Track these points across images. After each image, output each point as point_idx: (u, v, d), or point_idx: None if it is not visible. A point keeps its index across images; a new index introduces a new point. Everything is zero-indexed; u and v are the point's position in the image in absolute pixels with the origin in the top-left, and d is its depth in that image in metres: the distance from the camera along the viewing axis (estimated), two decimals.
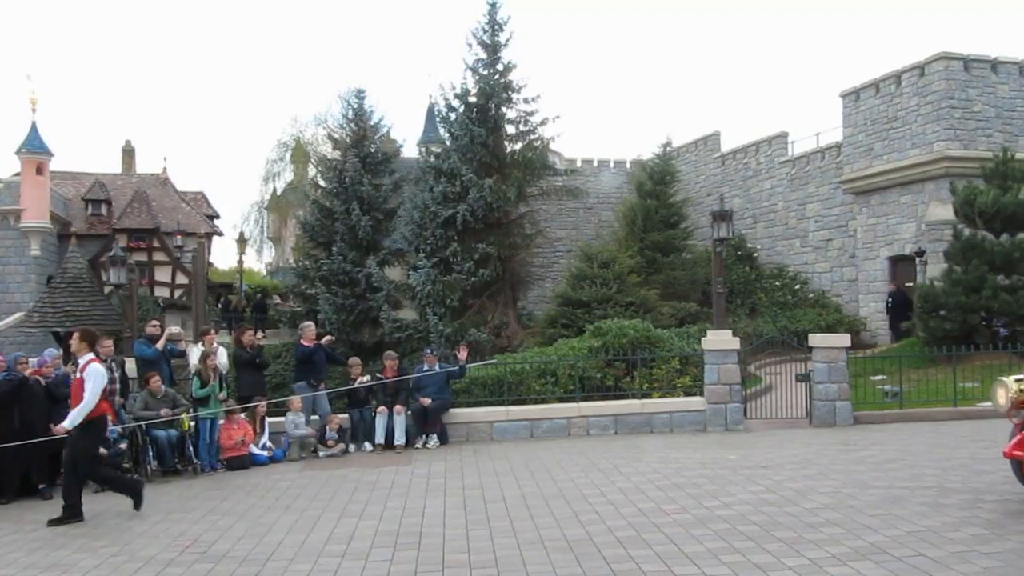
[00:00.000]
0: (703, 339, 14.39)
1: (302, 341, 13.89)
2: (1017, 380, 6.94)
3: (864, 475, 8.99)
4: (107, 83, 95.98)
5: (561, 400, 14.12)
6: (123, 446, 11.15)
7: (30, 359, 11.67)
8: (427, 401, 12.85)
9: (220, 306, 35.35)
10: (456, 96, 24.62)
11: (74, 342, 9.34)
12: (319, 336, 14.57)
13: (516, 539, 6.99)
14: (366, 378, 13.44)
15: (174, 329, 14.17)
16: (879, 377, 16.31)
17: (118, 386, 12.12)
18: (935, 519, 6.84)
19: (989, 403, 14.04)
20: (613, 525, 7.22)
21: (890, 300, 23.21)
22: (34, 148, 31.71)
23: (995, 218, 18.37)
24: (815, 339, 14.28)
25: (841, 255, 27.04)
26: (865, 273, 25.24)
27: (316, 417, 13.18)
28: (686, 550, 6.32)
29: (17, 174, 32.11)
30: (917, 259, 22.39)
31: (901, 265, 23.98)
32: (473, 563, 6.33)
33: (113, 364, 12.23)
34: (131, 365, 13.28)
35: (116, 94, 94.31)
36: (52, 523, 8.66)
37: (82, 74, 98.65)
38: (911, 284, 22.51)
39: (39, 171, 31.66)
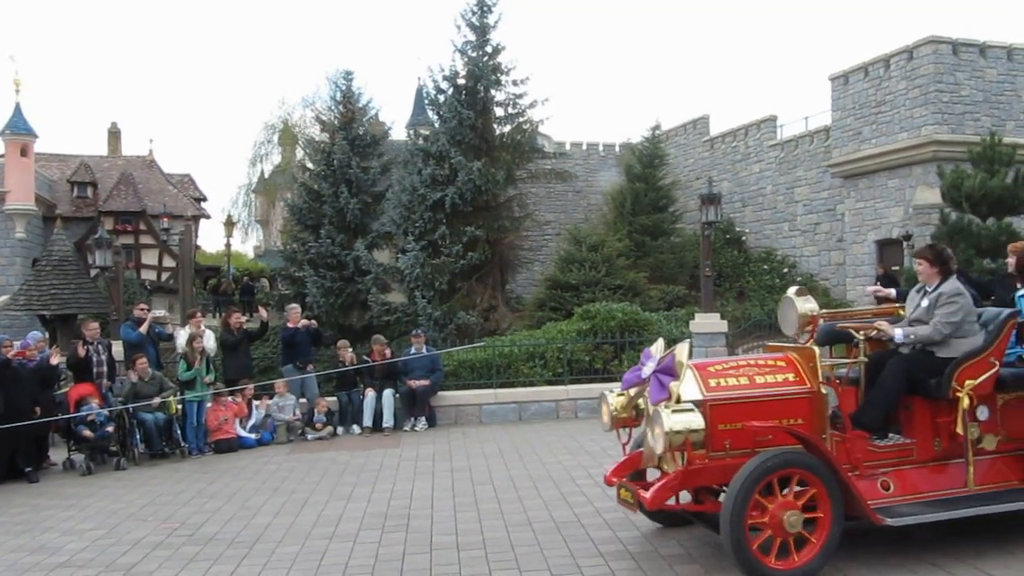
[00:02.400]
0: (691, 322, 14.46)
1: (288, 323, 13.87)
2: (620, 395, 6.05)
3: None
4: (92, 64, 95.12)
5: (549, 383, 14.14)
6: (110, 429, 11.11)
7: (15, 342, 11.60)
8: (417, 383, 12.84)
9: (207, 289, 35.21)
10: (445, 78, 24.50)
11: None
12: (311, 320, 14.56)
13: (504, 521, 7.00)
14: (349, 351, 13.36)
15: (158, 313, 14.10)
16: None
17: (105, 369, 12.08)
18: None
19: None
20: (601, 507, 7.24)
21: (878, 283, 23.29)
22: (18, 129, 31.37)
23: (982, 202, 18.43)
24: None
25: (829, 239, 27.13)
26: (852, 257, 25.34)
27: (304, 400, 13.16)
28: (672, 532, 6.34)
29: (1, 156, 31.79)
30: (904, 243, 22.47)
31: (888, 249, 24.08)
32: (461, 545, 6.34)
33: (99, 347, 12.19)
34: (118, 348, 13.23)
35: (102, 75, 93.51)
36: None
37: (67, 55, 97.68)
38: (897, 268, 22.61)
39: (23, 153, 31.33)
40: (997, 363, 5.63)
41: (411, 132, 28.75)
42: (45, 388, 11.17)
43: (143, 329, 12.67)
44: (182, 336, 13.00)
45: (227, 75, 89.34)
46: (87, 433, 10.92)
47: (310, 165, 26.86)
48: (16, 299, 22.95)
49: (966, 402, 5.47)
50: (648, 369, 5.71)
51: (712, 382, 5.48)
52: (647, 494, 5.44)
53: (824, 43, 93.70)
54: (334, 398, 13.12)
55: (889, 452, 5.66)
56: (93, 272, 23.58)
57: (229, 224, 40.72)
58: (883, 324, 5.97)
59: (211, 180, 77.33)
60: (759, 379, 5.53)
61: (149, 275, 33.63)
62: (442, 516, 7.31)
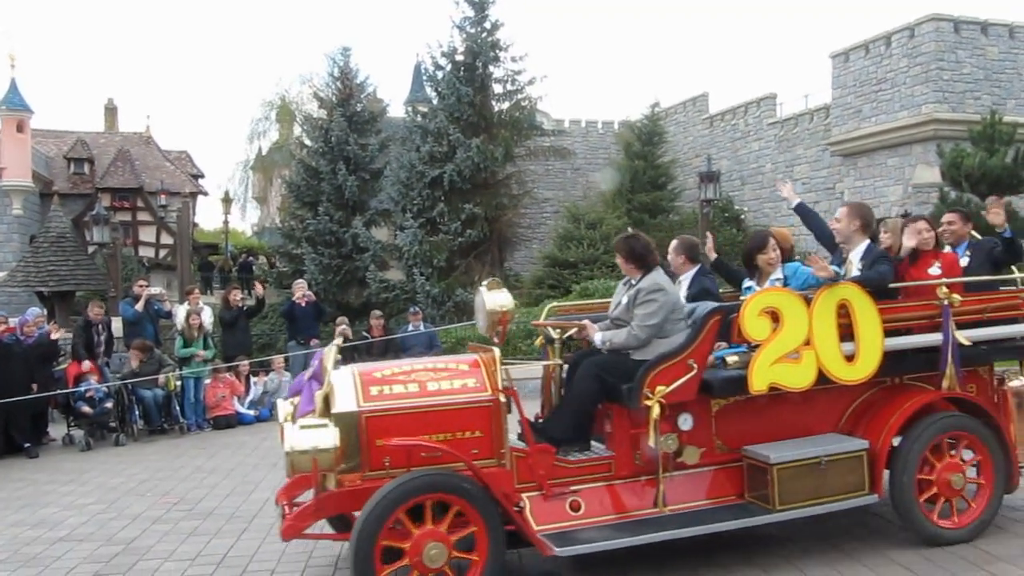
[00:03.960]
0: None
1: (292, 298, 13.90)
2: (292, 403, 5.18)
3: None
4: (88, 40, 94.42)
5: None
6: (109, 405, 11.14)
7: (10, 318, 11.61)
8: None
9: (198, 268, 35.23)
10: (443, 54, 24.36)
11: None
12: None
13: None
14: (342, 328, 13.27)
15: (153, 290, 14.10)
16: None
17: (102, 349, 12.11)
18: None
19: None
20: None
21: None
22: (14, 105, 31.18)
23: (982, 181, 18.40)
24: None
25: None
26: None
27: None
28: None
29: None
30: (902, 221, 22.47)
31: None
32: None
33: (100, 326, 12.21)
34: (117, 324, 13.25)
35: (98, 51, 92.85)
36: None
37: (63, 30, 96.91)
38: None
39: (19, 128, 31.16)
40: (696, 366, 4.95)
41: (409, 109, 28.60)
42: (44, 364, 11.19)
43: (139, 306, 12.68)
44: (180, 313, 13.02)
45: (224, 51, 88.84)
46: (86, 409, 10.96)
47: (308, 142, 26.74)
48: (14, 275, 22.91)
49: (656, 411, 4.80)
50: (309, 374, 5.14)
51: (374, 390, 4.75)
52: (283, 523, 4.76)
53: (825, 20, 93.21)
54: None
55: (581, 468, 4.98)
56: (91, 249, 23.57)
57: (227, 201, 40.61)
58: (586, 323, 5.48)
59: (208, 157, 77.21)
60: (432, 386, 4.80)
61: (147, 252, 33.58)
62: None
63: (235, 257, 37.04)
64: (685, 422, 5.03)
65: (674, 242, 6.18)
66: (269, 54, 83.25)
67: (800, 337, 5.03)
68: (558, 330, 5.71)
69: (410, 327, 13.45)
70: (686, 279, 6.08)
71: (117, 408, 11.26)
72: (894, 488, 5.18)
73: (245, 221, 52.79)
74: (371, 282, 22.13)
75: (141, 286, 13.49)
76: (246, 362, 12.93)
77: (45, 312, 13.64)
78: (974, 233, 6.44)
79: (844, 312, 5.13)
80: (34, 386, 10.70)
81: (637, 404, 4.89)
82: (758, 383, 4.97)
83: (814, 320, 5.05)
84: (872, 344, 5.13)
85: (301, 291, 13.86)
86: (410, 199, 23.03)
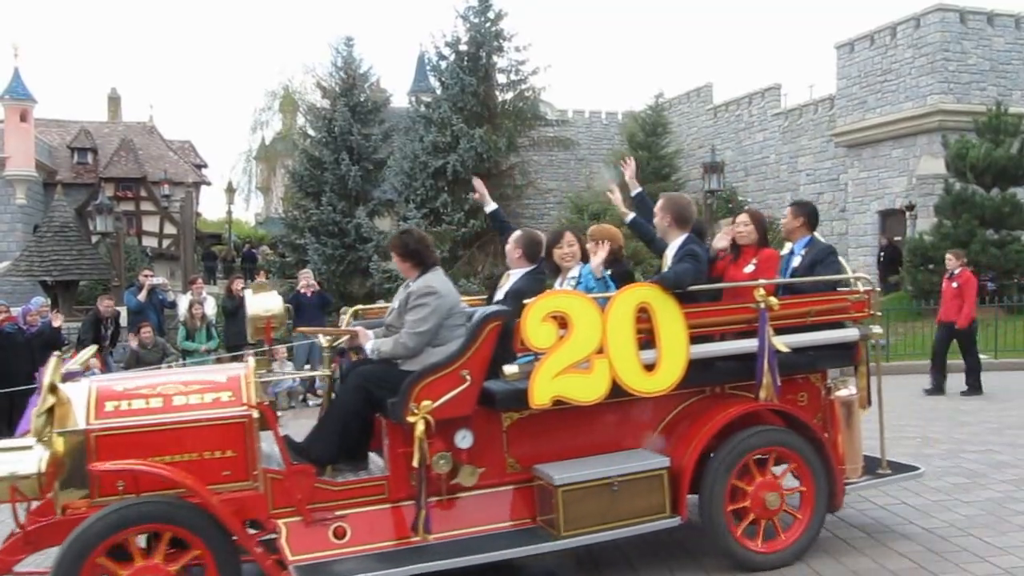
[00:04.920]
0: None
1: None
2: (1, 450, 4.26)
3: None
4: (92, 29, 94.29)
5: None
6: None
7: (12, 308, 11.63)
8: None
9: (201, 258, 35.27)
10: (447, 44, 24.32)
11: None
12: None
13: None
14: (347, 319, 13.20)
15: (155, 280, 14.12)
16: None
17: (108, 342, 12.14)
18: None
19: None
20: None
21: (882, 253, 23.29)
22: (17, 94, 31.17)
23: (986, 172, 18.38)
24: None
25: (832, 209, 27.04)
26: (855, 227, 25.27)
27: (309, 366, 13.18)
28: None
29: (0, 121, 31.63)
30: (907, 213, 22.42)
31: (891, 219, 24.02)
32: None
33: (108, 320, 12.24)
34: (123, 315, 13.29)
35: (101, 40, 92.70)
36: None
37: (66, 19, 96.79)
38: (900, 238, 22.58)
39: (23, 118, 31.16)
40: (471, 377, 4.43)
41: (413, 99, 28.58)
42: (47, 353, 11.20)
43: (142, 296, 12.70)
44: (183, 303, 13.03)
45: (227, 41, 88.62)
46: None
47: (311, 132, 26.73)
48: (17, 265, 22.95)
49: (421, 427, 4.29)
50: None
51: (109, 406, 4.20)
52: None
53: (830, 11, 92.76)
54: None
55: (348, 490, 4.48)
56: (94, 238, 23.58)
57: (230, 191, 40.57)
58: (359, 330, 5.00)
59: (212, 147, 77.12)
60: (179, 400, 4.29)
61: (150, 242, 33.61)
62: None
63: (238, 247, 37.07)
64: (464, 439, 4.49)
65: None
66: (272, 44, 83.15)
67: (591, 345, 4.49)
68: (328, 338, 5.29)
69: None
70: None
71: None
72: (701, 509, 4.72)
73: (248, 211, 52.89)
74: (374, 272, 22.15)
75: (146, 276, 13.50)
76: (250, 352, 12.93)
77: (49, 301, 13.67)
78: (818, 235, 5.70)
79: (648, 317, 4.63)
80: (37, 375, 10.72)
81: (401, 419, 4.37)
82: (539, 397, 4.42)
83: (609, 326, 4.52)
84: (675, 352, 4.64)
85: (306, 281, 13.84)
86: (413, 189, 23.02)
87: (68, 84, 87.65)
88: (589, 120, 37.17)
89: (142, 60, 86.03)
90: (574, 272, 5.18)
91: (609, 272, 5.21)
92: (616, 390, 4.57)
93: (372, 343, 4.83)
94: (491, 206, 6.13)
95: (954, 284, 11.36)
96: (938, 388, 11.35)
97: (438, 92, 25.00)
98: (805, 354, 5.09)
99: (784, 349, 4.84)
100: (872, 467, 5.35)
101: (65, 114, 41.41)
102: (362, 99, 25.06)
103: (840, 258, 5.62)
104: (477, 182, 6.49)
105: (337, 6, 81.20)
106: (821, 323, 5.08)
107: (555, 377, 4.44)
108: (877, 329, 5.32)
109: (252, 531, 4.38)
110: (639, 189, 6.18)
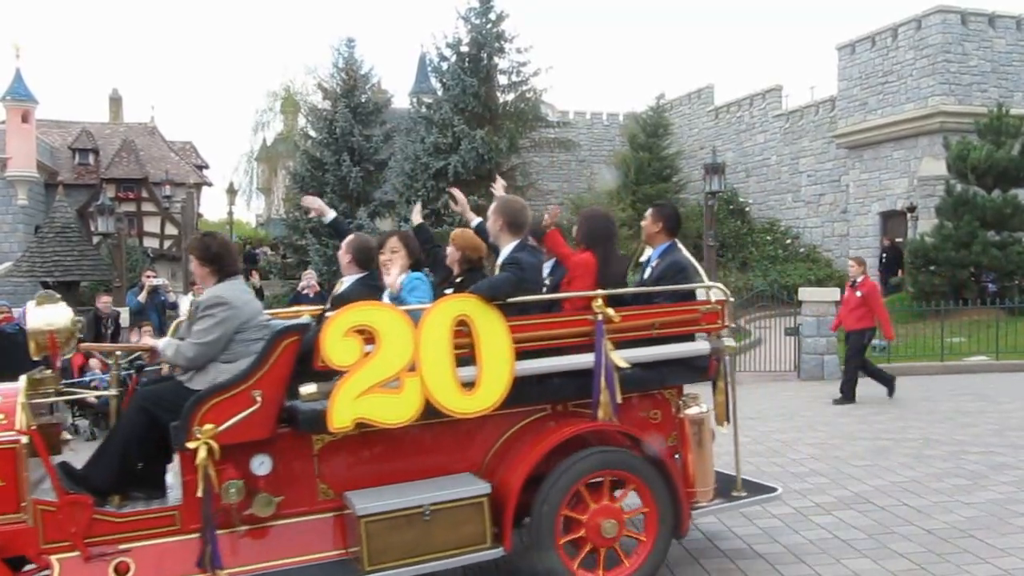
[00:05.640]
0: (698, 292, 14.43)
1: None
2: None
3: (850, 427, 9.08)
4: (93, 29, 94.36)
5: None
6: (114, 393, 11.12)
7: (13, 308, 11.63)
8: None
9: None
10: (448, 45, 24.37)
11: None
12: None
13: None
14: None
15: (156, 281, 14.11)
16: None
17: (109, 341, 12.12)
18: (919, 470, 6.92)
19: (976, 358, 14.28)
20: None
21: (884, 255, 23.29)
22: (19, 95, 31.18)
23: (987, 174, 18.37)
24: (805, 293, 14.34)
25: (833, 210, 27.04)
26: (856, 228, 25.26)
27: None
28: None
29: (2, 122, 31.66)
30: (908, 214, 22.41)
31: (892, 220, 24.01)
32: None
33: (108, 319, 12.24)
34: (124, 315, 13.30)
35: (102, 41, 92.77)
36: None
37: (67, 20, 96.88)
38: (901, 239, 22.57)
39: (24, 119, 31.18)
40: (263, 399, 4.03)
41: (414, 100, 28.61)
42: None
43: (142, 297, 12.70)
44: (185, 304, 13.01)
45: (229, 42, 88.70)
46: (91, 399, 10.96)
47: (312, 133, 26.78)
48: (19, 266, 23.00)
49: (203, 453, 3.91)
50: None
51: None
52: None
53: (831, 12, 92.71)
54: None
55: (132, 522, 4.05)
56: (96, 239, 23.62)
57: (231, 192, 40.51)
58: (148, 341, 4.64)
59: (213, 148, 77.09)
60: None
61: (151, 243, 33.61)
62: None
63: (239, 248, 37.05)
64: (261, 465, 4.08)
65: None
66: (274, 45, 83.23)
67: (401, 362, 4.09)
68: (119, 354, 4.85)
69: None
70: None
71: (121, 398, 11.23)
72: (531, 537, 4.33)
73: (250, 212, 52.88)
74: None
75: (148, 276, 13.50)
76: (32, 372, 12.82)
77: None
78: (680, 246, 5.28)
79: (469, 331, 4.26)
80: None
81: (183, 445, 3.97)
82: (339, 419, 4.00)
83: (423, 341, 4.12)
84: (497, 368, 4.23)
85: (307, 281, 13.84)
86: (414, 190, 23.06)
87: (69, 85, 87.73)
88: (590, 121, 37.17)
89: (143, 61, 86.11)
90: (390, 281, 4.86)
91: (460, 280, 4.96)
92: (432, 410, 4.16)
93: (161, 341, 4.52)
94: (330, 216, 5.88)
95: (858, 293, 10.96)
96: (890, 389, 11.06)
97: (439, 93, 25.05)
98: (656, 369, 4.73)
99: (623, 364, 4.45)
100: (728, 488, 4.99)
101: (66, 115, 41.43)
102: (363, 100, 25.11)
103: (698, 266, 5.23)
104: (308, 199, 6.17)
105: (338, 7, 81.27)
106: (672, 336, 4.73)
107: (358, 397, 4.02)
108: (730, 342, 4.91)
109: (29, 567, 4.05)
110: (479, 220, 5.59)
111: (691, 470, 4.73)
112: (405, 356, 4.10)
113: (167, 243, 33.91)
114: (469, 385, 4.22)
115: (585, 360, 4.45)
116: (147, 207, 34.03)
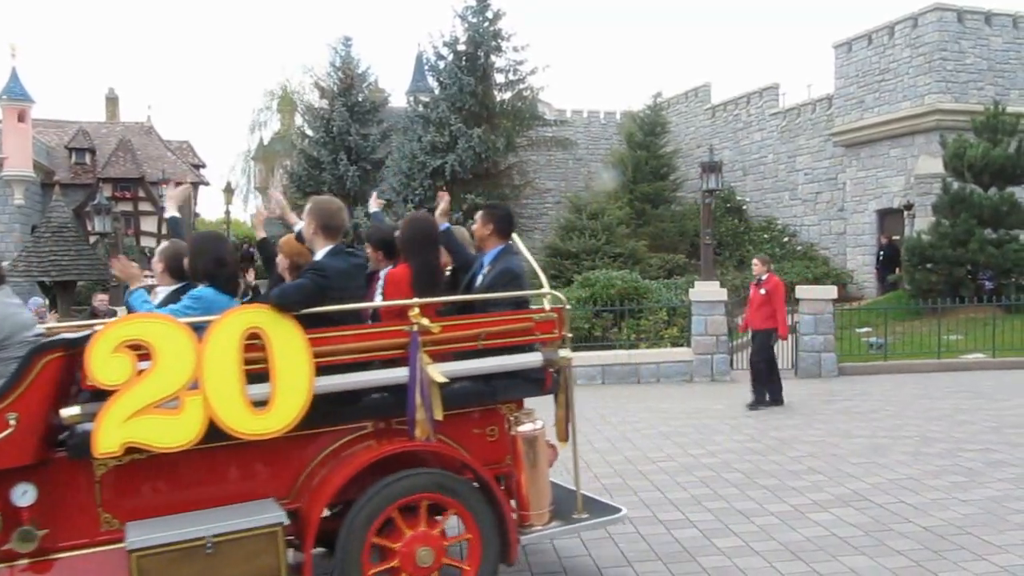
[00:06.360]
0: (691, 290, 14.46)
1: None
2: None
3: (848, 424, 9.10)
4: (90, 29, 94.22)
5: None
6: None
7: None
8: None
9: None
10: (445, 44, 24.36)
11: None
12: None
13: None
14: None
15: (149, 281, 14.09)
16: (864, 329, 16.45)
17: None
18: (916, 467, 6.94)
19: (973, 355, 14.31)
20: (600, 472, 7.29)
21: (882, 253, 23.31)
22: (15, 95, 31.17)
23: (984, 171, 18.39)
24: (802, 291, 14.35)
25: (830, 208, 27.06)
26: (853, 226, 25.29)
27: None
28: (671, 496, 6.39)
29: None
30: (905, 212, 22.44)
31: (889, 218, 24.03)
32: None
33: (106, 318, 12.24)
34: (122, 314, 13.29)
35: (99, 40, 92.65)
36: None
37: (64, 19, 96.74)
38: (898, 237, 22.60)
39: (21, 118, 31.16)
40: (19, 422, 3.60)
41: (411, 99, 28.60)
42: None
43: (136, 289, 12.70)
44: None
45: (225, 41, 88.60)
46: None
47: (309, 132, 26.77)
48: (15, 265, 22.95)
49: None
50: None
51: None
52: None
53: (828, 10, 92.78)
54: None
55: None
56: (92, 239, 23.58)
57: (228, 191, 40.51)
58: None
59: (210, 147, 77.09)
60: None
61: (148, 242, 33.58)
62: None
63: (237, 247, 37.03)
64: (24, 496, 3.65)
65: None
66: (270, 44, 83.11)
67: (180, 379, 3.70)
68: None
69: None
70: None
71: None
72: (336, 567, 3.99)
73: (247, 211, 52.78)
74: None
75: (146, 276, 13.49)
76: None
77: (47, 302, 13.64)
78: (517, 249, 4.93)
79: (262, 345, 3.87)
80: None
81: None
82: (105, 443, 3.59)
83: (208, 356, 3.73)
84: (293, 385, 3.84)
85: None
86: (412, 189, 23.05)
87: (66, 84, 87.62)
88: (587, 120, 37.14)
89: (140, 60, 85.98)
90: (159, 294, 4.47)
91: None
92: (219, 432, 3.76)
93: None
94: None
95: (762, 291, 10.57)
96: (760, 401, 10.55)
97: (436, 92, 25.04)
98: (487, 383, 4.39)
99: (441, 379, 4.07)
100: (568, 510, 4.59)
101: (63, 114, 41.46)
102: (360, 99, 25.12)
103: (538, 271, 4.88)
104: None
105: (335, 6, 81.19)
106: (505, 347, 4.37)
107: (129, 419, 3.62)
108: (566, 353, 4.50)
109: None
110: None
111: (524, 491, 4.36)
112: (185, 373, 3.70)
113: (164, 242, 33.92)
114: (261, 404, 3.81)
115: (398, 375, 4.08)
116: (144, 206, 34.02)
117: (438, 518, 4.15)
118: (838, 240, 26.47)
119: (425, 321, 4.09)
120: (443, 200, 5.16)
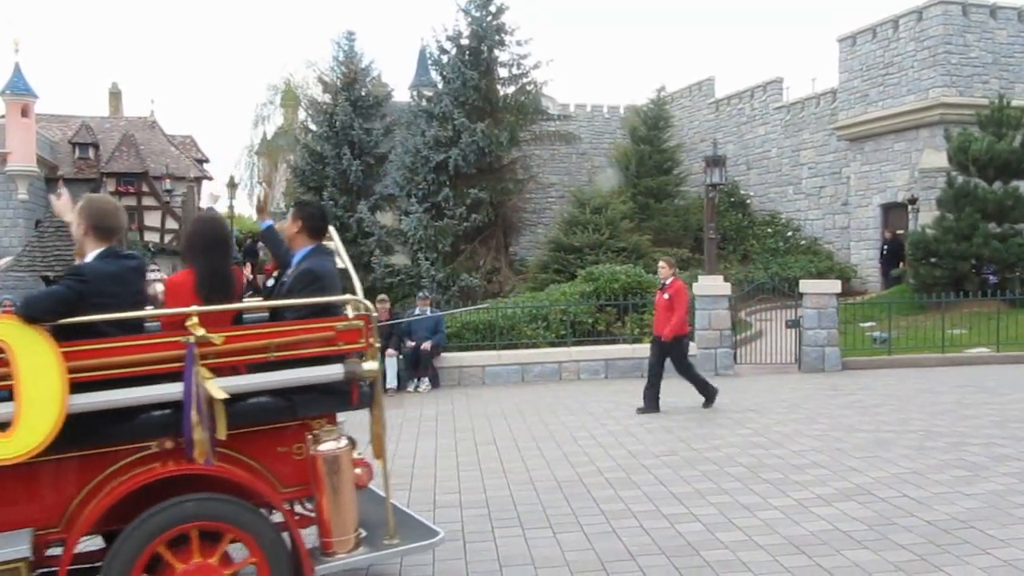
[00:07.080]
0: (694, 285, 14.43)
1: None
2: None
3: (851, 419, 9.09)
4: (93, 23, 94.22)
5: (552, 345, 14.21)
6: None
7: (17, 303, 11.66)
8: (427, 344, 12.87)
9: None
10: (448, 38, 24.33)
11: None
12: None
13: (507, 480, 7.05)
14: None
15: (153, 276, 14.13)
16: (868, 323, 16.43)
17: None
18: (920, 461, 6.93)
19: (977, 349, 14.29)
20: (603, 466, 7.29)
21: (886, 247, 23.27)
22: (18, 90, 31.20)
23: (989, 165, 18.34)
24: (806, 285, 14.33)
25: (834, 202, 27.01)
26: (857, 220, 25.24)
27: None
28: (674, 491, 6.39)
29: (1, 116, 31.65)
30: (909, 206, 22.39)
31: (893, 212, 23.98)
32: (464, 503, 6.40)
33: None
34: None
35: (102, 35, 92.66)
36: None
37: (67, 14, 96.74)
38: (902, 231, 22.55)
39: (24, 113, 31.20)
40: None
41: (414, 93, 28.59)
42: None
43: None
44: None
45: (229, 35, 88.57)
46: None
47: (312, 126, 26.76)
48: (19, 260, 23.03)
49: None
50: None
51: None
52: None
53: (832, 4, 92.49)
54: None
55: None
56: None
57: (232, 186, 40.53)
58: None
59: (213, 142, 77.14)
60: None
61: (152, 237, 33.67)
62: (445, 475, 7.36)
63: (240, 242, 37.06)
64: None
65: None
66: (274, 38, 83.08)
67: None
68: None
69: (417, 311, 13.49)
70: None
71: None
72: None
73: (250, 206, 52.84)
74: (376, 267, 22.17)
75: (152, 270, 13.55)
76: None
77: None
78: (327, 250, 4.60)
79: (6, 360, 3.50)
80: None
81: None
82: None
83: None
84: (42, 404, 3.44)
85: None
86: (415, 184, 23.04)
87: (69, 79, 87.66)
88: (591, 114, 37.10)
89: (143, 55, 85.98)
90: None
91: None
92: None
93: None
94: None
95: (666, 296, 10.03)
96: (653, 406, 10.08)
97: (439, 86, 25.01)
98: (284, 398, 4.02)
99: (221, 395, 3.70)
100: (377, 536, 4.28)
101: (66, 109, 41.43)
102: (363, 93, 25.09)
103: (352, 273, 4.56)
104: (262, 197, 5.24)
105: (339, 1, 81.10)
106: (303, 359, 4.02)
107: None
108: (371, 365, 4.15)
109: None
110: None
111: (325, 516, 4.00)
112: None
113: (167, 237, 33.94)
114: (5, 425, 3.43)
115: (170, 391, 3.70)
116: (147, 201, 34.07)
117: (219, 544, 3.75)
118: (842, 234, 26.42)
119: (202, 331, 3.71)
120: (261, 195, 4.89)
